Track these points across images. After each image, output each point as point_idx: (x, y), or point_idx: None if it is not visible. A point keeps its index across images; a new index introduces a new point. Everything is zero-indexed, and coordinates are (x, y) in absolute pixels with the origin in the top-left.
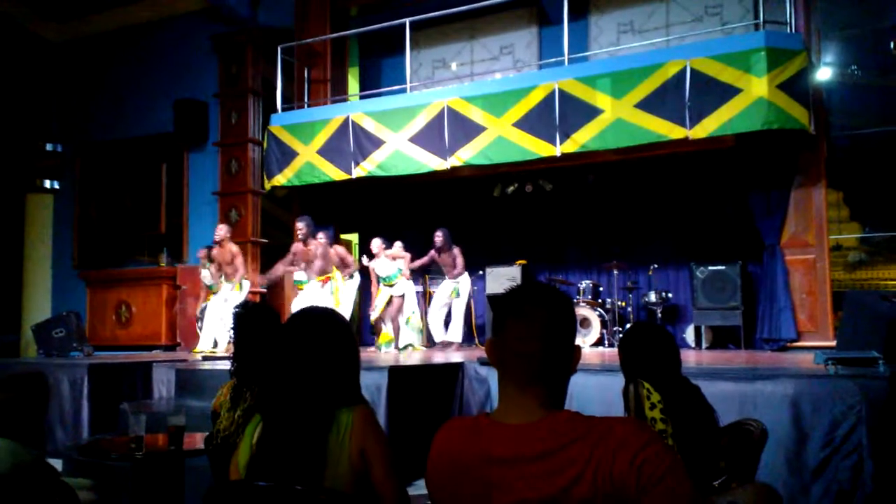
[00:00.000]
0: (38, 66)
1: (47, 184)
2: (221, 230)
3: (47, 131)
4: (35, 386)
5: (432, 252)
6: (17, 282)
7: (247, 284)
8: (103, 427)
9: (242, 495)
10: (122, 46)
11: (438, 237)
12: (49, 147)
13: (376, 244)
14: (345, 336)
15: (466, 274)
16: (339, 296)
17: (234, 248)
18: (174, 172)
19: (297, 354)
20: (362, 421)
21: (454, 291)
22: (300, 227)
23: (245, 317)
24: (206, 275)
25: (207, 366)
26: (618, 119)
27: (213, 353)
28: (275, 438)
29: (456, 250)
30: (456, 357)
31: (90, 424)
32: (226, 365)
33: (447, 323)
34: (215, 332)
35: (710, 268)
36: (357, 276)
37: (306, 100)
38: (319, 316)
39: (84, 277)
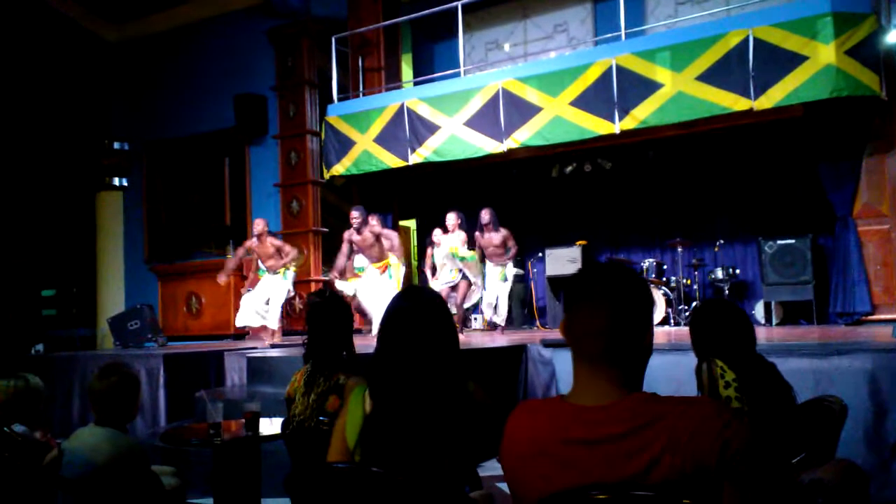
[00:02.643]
0: (99, 67)
1: (116, 181)
2: (259, 225)
3: (112, 130)
4: (130, 373)
5: (476, 234)
6: (92, 277)
7: (292, 272)
8: (179, 414)
9: (343, 478)
10: (181, 44)
11: (485, 216)
12: (116, 146)
13: (452, 219)
14: (450, 313)
15: (511, 263)
16: (399, 282)
17: (276, 241)
18: (237, 166)
19: (419, 329)
20: (481, 393)
21: (502, 275)
22: (355, 215)
23: (320, 305)
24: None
25: (277, 353)
26: (678, 93)
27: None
28: (399, 413)
29: (505, 232)
30: (501, 340)
31: (167, 412)
32: (294, 352)
33: (495, 307)
34: (253, 314)
35: (779, 242)
36: (403, 265)
37: (361, 89)
38: (428, 293)
39: (155, 271)
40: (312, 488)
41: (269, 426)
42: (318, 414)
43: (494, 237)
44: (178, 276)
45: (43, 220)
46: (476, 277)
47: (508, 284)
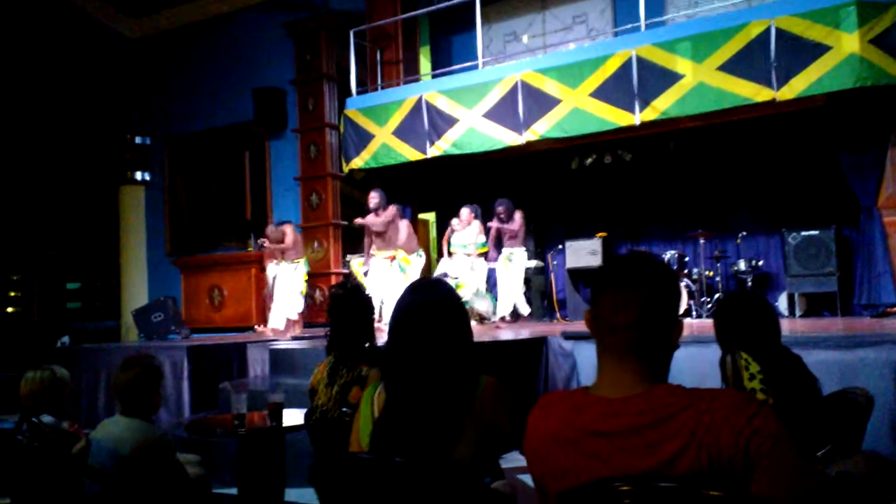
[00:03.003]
0: (120, 62)
1: (138, 176)
2: (270, 234)
3: (133, 125)
4: (152, 365)
5: (496, 224)
6: (116, 271)
7: (306, 263)
8: (203, 405)
9: (367, 468)
10: (200, 39)
11: (501, 209)
12: (138, 140)
13: (465, 213)
14: (462, 306)
15: (523, 248)
16: (409, 274)
17: (288, 230)
18: (256, 160)
19: (431, 323)
20: (495, 389)
21: (507, 257)
22: (373, 195)
23: (342, 297)
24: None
25: (299, 345)
26: (699, 83)
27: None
28: (408, 407)
29: (517, 215)
30: (522, 333)
31: (192, 403)
32: (316, 343)
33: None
34: (282, 310)
35: (803, 233)
36: (422, 255)
37: (379, 82)
38: (439, 286)
39: (177, 263)
40: (336, 478)
41: (293, 417)
42: (341, 405)
43: (510, 228)
44: (200, 268)
45: (67, 214)
46: (479, 286)
47: (516, 270)
